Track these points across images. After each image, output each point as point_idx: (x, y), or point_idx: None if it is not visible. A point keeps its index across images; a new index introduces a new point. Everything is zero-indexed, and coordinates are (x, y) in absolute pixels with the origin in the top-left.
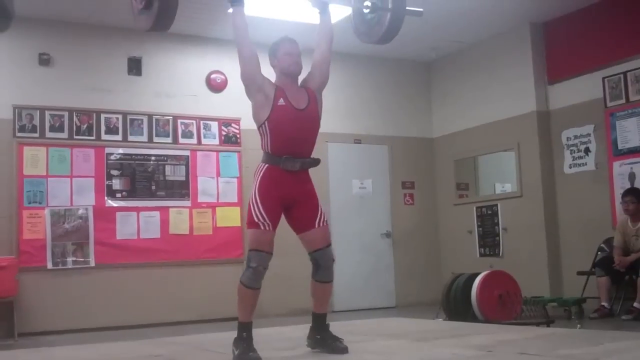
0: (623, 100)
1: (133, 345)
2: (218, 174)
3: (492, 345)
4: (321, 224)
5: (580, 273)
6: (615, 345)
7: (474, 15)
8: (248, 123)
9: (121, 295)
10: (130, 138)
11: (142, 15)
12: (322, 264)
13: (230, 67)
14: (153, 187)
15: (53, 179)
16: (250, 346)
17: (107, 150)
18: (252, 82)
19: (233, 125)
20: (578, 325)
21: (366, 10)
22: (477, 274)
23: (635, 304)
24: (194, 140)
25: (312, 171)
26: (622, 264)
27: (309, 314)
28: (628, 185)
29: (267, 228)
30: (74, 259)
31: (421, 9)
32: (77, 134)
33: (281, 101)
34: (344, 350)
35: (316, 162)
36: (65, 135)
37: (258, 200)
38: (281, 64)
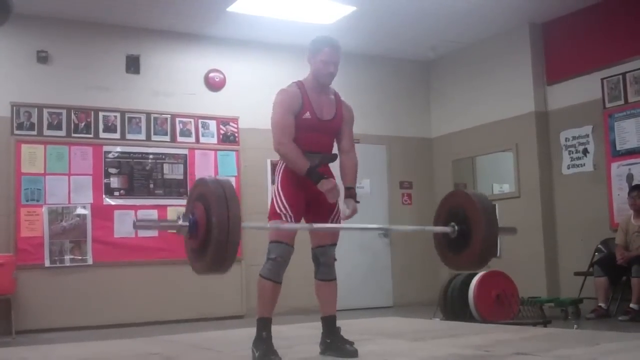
0: (622, 101)
1: (130, 343)
2: (216, 173)
3: (488, 346)
4: (334, 221)
5: (577, 274)
6: (611, 346)
7: (472, 16)
8: (246, 122)
9: (119, 293)
10: (128, 136)
11: None
12: (322, 261)
13: (229, 66)
14: (151, 186)
15: (51, 177)
16: (270, 347)
17: (105, 148)
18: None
19: (231, 124)
20: (575, 326)
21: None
22: (474, 274)
23: (631, 305)
24: (192, 139)
25: None
26: (626, 258)
27: (307, 312)
28: (626, 187)
29: (288, 220)
30: (72, 257)
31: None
32: (75, 132)
33: (307, 115)
34: (352, 353)
35: (334, 157)
36: (63, 133)
37: (281, 193)
38: (316, 69)
